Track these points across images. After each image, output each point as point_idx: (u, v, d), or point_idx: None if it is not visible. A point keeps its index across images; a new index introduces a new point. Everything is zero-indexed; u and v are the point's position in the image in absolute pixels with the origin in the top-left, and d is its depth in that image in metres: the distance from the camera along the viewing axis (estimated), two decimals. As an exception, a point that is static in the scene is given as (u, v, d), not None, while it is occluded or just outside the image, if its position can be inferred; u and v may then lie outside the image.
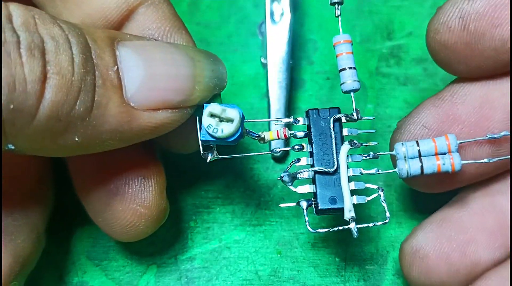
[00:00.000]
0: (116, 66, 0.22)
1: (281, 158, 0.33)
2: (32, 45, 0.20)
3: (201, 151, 0.24)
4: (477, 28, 0.24)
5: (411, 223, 0.31)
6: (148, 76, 0.23)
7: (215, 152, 0.25)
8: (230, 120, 0.23)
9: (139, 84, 0.23)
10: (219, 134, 0.23)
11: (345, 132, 0.25)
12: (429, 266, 0.26)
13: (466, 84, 0.26)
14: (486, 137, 0.25)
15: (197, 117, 0.24)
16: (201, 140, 0.24)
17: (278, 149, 0.26)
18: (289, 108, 0.33)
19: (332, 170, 0.25)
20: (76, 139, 0.21)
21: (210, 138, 0.23)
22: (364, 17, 0.36)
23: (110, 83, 0.22)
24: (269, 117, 0.32)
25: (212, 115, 0.23)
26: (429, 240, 0.26)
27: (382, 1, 0.36)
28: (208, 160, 0.25)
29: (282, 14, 0.32)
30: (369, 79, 0.35)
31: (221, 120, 0.23)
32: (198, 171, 0.32)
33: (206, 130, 0.23)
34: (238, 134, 0.24)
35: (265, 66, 0.33)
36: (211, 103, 0.24)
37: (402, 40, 0.35)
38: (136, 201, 0.26)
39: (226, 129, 0.23)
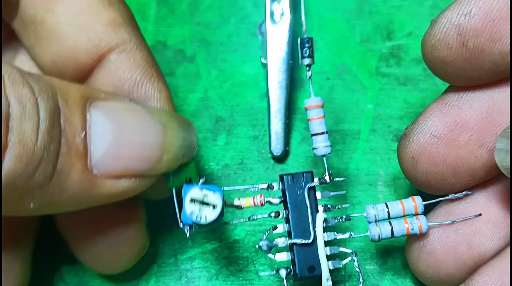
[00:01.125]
0: (84, 132, 0.21)
1: (281, 158, 0.33)
2: None
3: (180, 226, 0.24)
4: (476, 44, 0.24)
5: (411, 223, 0.31)
6: (115, 144, 0.22)
7: (194, 226, 0.24)
8: (212, 205, 0.23)
9: (105, 152, 0.22)
10: (202, 221, 0.23)
11: (319, 195, 0.26)
12: (436, 260, 0.26)
13: (471, 88, 0.26)
14: (449, 197, 0.26)
15: (174, 196, 0.25)
16: (182, 223, 0.24)
17: (254, 217, 0.26)
18: (289, 108, 0.33)
19: (309, 241, 0.25)
20: (31, 206, 0.20)
21: (190, 222, 0.24)
22: (364, 17, 0.36)
23: (74, 151, 0.21)
24: (269, 117, 0.32)
25: (193, 200, 0.23)
26: (436, 234, 0.26)
27: (382, 1, 0.36)
28: (187, 235, 0.24)
29: (282, 14, 0.32)
30: (369, 79, 0.35)
31: (203, 202, 0.23)
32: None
33: (188, 216, 0.23)
34: (220, 216, 0.24)
35: (265, 66, 0.33)
36: (192, 188, 0.23)
37: (402, 40, 0.35)
38: (118, 241, 0.26)
39: (209, 216, 0.23)
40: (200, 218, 0.23)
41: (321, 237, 0.25)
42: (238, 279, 0.30)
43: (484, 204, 0.27)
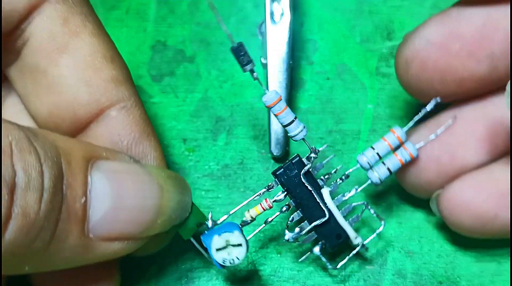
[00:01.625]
0: (84, 198, 0.21)
1: (281, 158, 0.33)
2: (3, 183, 0.19)
3: (218, 267, 0.26)
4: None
5: (410, 223, 0.31)
6: (113, 208, 0.22)
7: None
8: (238, 244, 0.25)
9: (102, 216, 0.22)
10: (236, 262, 0.25)
11: (313, 171, 0.27)
12: (419, 167, 0.28)
13: (473, 3, 0.27)
14: (420, 114, 0.28)
15: (197, 245, 0.26)
16: (218, 267, 0.26)
17: (270, 219, 0.27)
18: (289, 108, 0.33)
19: (326, 218, 0.27)
20: (26, 268, 0.21)
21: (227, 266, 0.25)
22: (364, 17, 0.36)
23: (74, 216, 0.21)
24: (269, 117, 0.32)
25: (218, 249, 0.25)
26: (422, 140, 0.28)
27: (382, 1, 0.36)
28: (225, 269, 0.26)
29: (282, 14, 0.32)
30: (369, 79, 0.35)
31: (228, 248, 0.25)
32: (199, 172, 0.33)
33: (220, 264, 0.25)
34: (247, 247, 0.25)
35: (265, 66, 0.33)
36: (212, 239, 0.25)
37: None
38: None
39: (240, 255, 0.25)
40: (233, 260, 0.25)
41: (335, 208, 0.27)
42: (238, 279, 0.30)
43: (472, 120, 0.28)
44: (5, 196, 0.19)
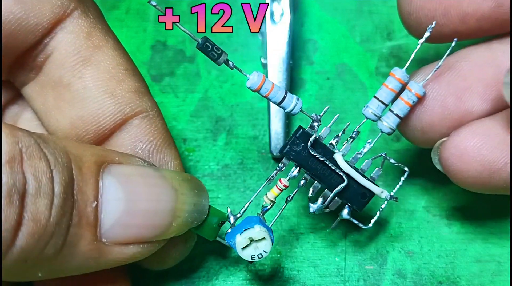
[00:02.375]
0: (96, 202, 0.21)
1: (281, 158, 0.33)
2: (13, 189, 0.19)
3: (249, 261, 0.25)
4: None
5: (410, 223, 0.31)
6: (126, 212, 0.22)
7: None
8: (261, 239, 0.25)
9: (116, 220, 0.22)
10: (264, 255, 0.25)
11: (321, 138, 0.26)
12: (423, 108, 0.26)
13: None
14: (419, 43, 0.26)
15: (224, 242, 0.26)
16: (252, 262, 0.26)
17: (290, 197, 0.27)
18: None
19: (345, 183, 0.26)
20: (40, 275, 0.21)
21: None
22: (364, 17, 0.36)
23: (85, 221, 0.21)
24: (269, 117, 0.32)
25: (244, 247, 0.25)
26: (428, 86, 0.26)
27: (382, 1, 0.36)
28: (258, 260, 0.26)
29: (282, 14, 0.32)
30: (369, 79, 0.35)
31: (253, 243, 0.25)
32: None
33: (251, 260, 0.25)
34: (272, 237, 0.25)
35: (265, 66, 0.33)
36: (235, 239, 0.25)
37: (402, 40, 0.35)
38: None
39: (266, 248, 0.25)
40: (261, 255, 0.25)
41: (352, 170, 0.26)
42: (238, 279, 0.30)
43: (480, 65, 0.27)
44: (16, 203, 0.19)
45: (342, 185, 0.26)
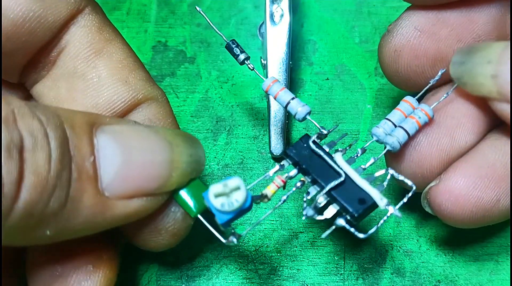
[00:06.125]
0: (93, 156, 0.22)
1: (281, 158, 0.33)
2: (11, 144, 0.19)
3: (224, 241, 0.24)
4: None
5: (409, 223, 0.32)
6: (124, 164, 0.23)
7: (235, 232, 0.25)
8: (236, 189, 0.24)
9: (115, 173, 0.22)
10: (236, 205, 0.23)
11: (326, 148, 0.26)
12: (421, 154, 0.27)
13: None
14: (430, 83, 0.27)
15: (204, 221, 0.25)
16: (221, 225, 0.24)
17: (284, 197, 0.26)
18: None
19: (342, 178, 0.25)
20: (48, 233, 0.21)
21: (228, 217, 0.24)
22: (363, 18, 0.36)
23: (85, 175, 0.22)
24: (269, 117, 0.32)
25: (217, 195, 0.23)
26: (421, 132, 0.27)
27: (381, 2, 0.37)
28: (236, 242, 0.24)
29: (281, 15, 0.33)
30: (368, 80, 0.35)
31: (227, 194, 0.24)
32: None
33: (220, 211, 0.23)
34: (249, 197, 0.24)
35: (265, 66, 0.33)
36: (210, 187, 0.23)
37: (401, 41, 0.36)
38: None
39: (239, 197, 0.23)
40: (232, 203, 0.23)
41: (350, 169, 0.25)
42: (238, 278, 0.30)
43: (466, 102, 0.27)
44: (16, 156, 0.19)
45: (339, 180, 0.25)
